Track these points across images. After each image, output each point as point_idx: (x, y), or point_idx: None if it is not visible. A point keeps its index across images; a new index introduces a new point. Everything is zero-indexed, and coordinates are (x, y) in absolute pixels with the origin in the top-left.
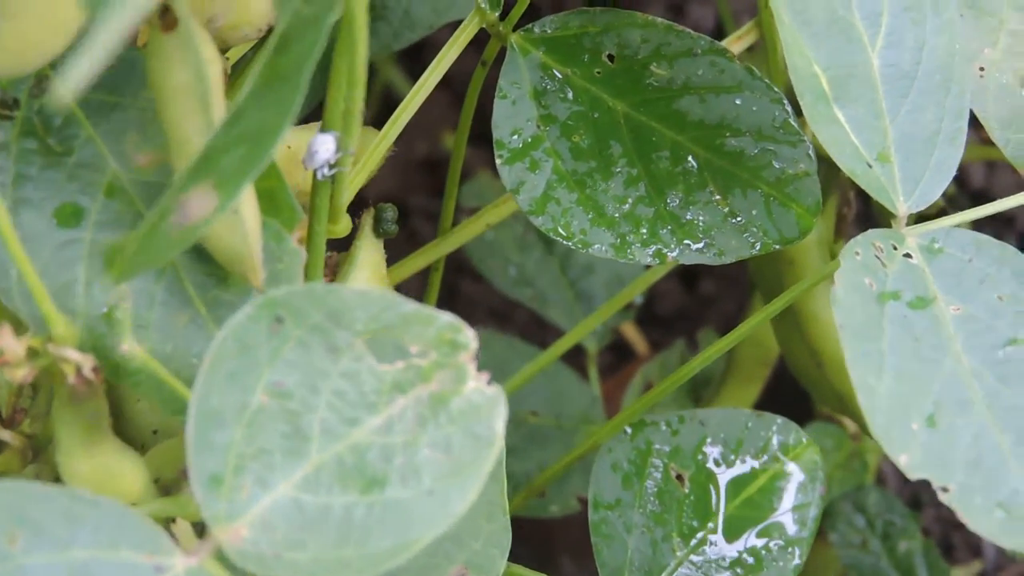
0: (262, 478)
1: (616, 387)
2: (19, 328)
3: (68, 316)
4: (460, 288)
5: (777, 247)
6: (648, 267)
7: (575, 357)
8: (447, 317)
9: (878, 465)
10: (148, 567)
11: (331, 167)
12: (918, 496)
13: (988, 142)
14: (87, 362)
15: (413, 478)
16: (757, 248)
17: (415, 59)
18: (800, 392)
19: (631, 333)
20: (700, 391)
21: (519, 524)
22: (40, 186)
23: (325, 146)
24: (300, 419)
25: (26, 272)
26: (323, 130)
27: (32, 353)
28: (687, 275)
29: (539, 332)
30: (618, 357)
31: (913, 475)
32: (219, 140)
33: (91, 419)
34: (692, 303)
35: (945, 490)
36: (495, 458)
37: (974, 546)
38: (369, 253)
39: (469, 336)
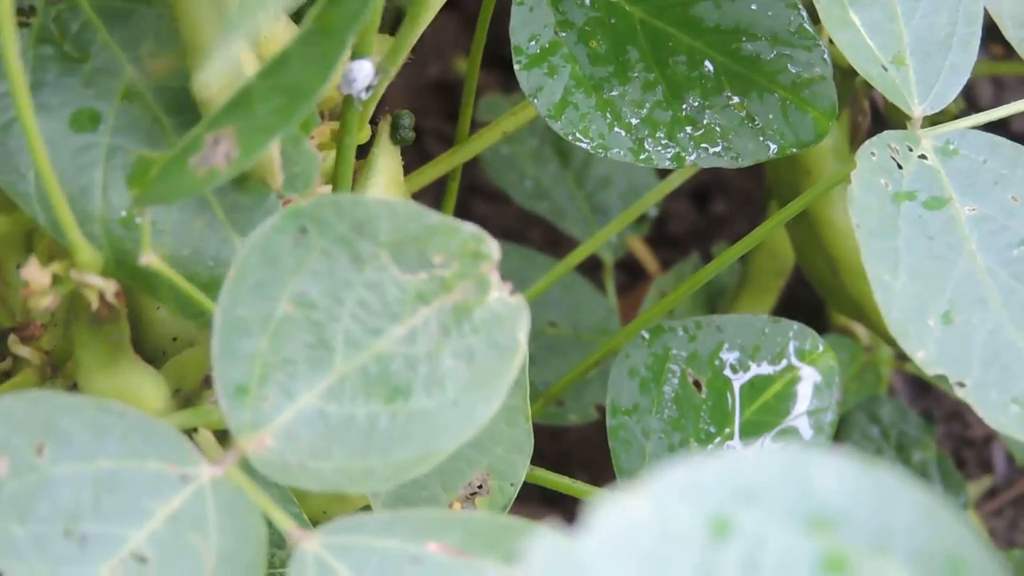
0: (287, 388)
1: (631, 305)
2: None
3: (85, 219)
4: (473, 208)
5: (794, 150)
6: (663, 178)
7: (592, 272)
8: (470, 227)
9: (890, 379)
10: (174, 477)
11: (367, 90)
12: (929, 412)
13: (998, 58)
14: (110, 287)
15: (437, 388)
16: (774, 151)
17: None
18: (814, 305)
19: (643, 253)
20: (715, 302)
21: (537, 437)
22: (57, 92)
23: (363, 72)
24: (324, 329)
25: (53, 193)
26: (357, 55)
27: (56, 280)
28: (699, 195)
29: (553, 252)
30: (631, 277)
31: (930, 371)
32: (258, 85)
33: (112, 340)
34: (704, 223)
35: (961, 385)
36: (518, 367)
37: (985, 461)
38: (387, 160)
39: (492, 247)
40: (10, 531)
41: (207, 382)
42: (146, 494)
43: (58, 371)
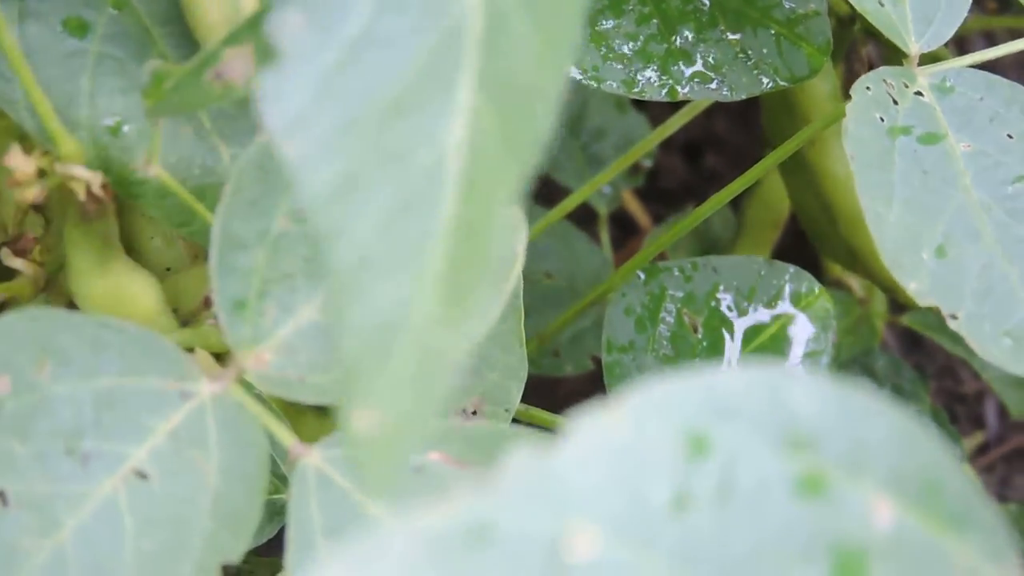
0: (285, 302)
1: (624, 259)
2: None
3: (72, 127)
4: None
5: (787, 84)
6: (655, 127)
7: (587, 225)
8: None
9: (882, 334)
10: (174, 394)
11: None
12: (921, 367)
13: (990, 12)
14: (96, 179)
15: None
16: (768, 86)
17: None
18: (807, 259)
19: (635, 208)
20: (710, 254)
21: (529, 392)
22: None
23: None
24: None
25: (29, 87)
26: None
27: (41, 173)
28: (690, 150)
29: (549, 206)
30: (623, 232)
31: (922, 301)
32: None
33: (102, 239)
34: (695, 178)
35: (954, 317)
36: (516, 276)
37: (976, 417)
38: None
39: None
40: (11, 449)
41: (206, 303)
42: (146, 411)
43: (51, 283)
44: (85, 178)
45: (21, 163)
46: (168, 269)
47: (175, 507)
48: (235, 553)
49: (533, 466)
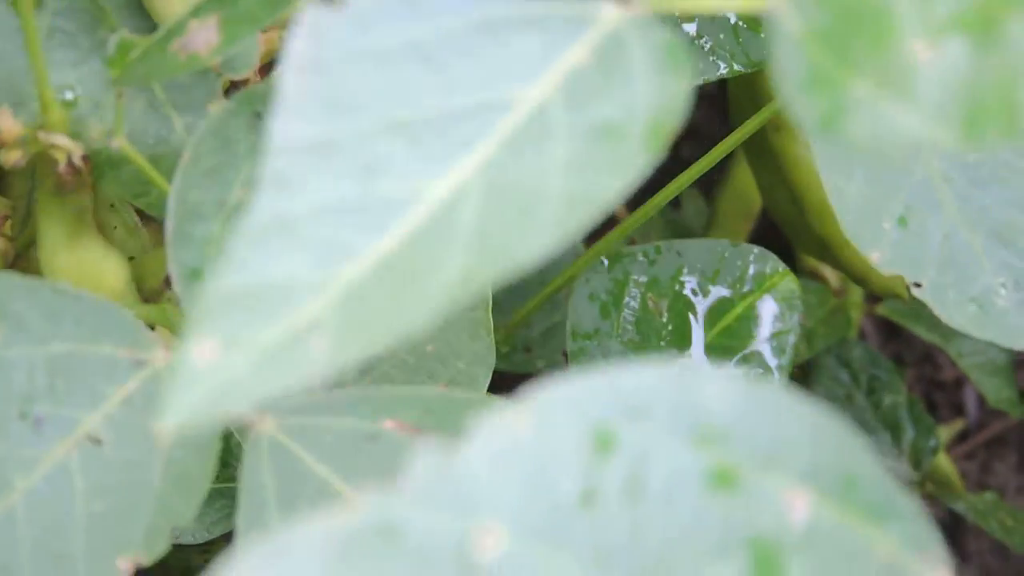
0: None
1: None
2: None
3: (25, 99)
4: None
5: (744, 69)
6: None
7: None
8: None
9: (860, 323)
10: (127, 361)
11: None
12: (900, 355)
13: None
14: (77, 150)
15: None
16: (723, 71)
17: None
18: (782, 250)
19: None
20: None
21: (503, 389)
22: None
23: None
24: None
25: (34, 54)
26: None
27: (24, 141)
28: None
29: None
30: (600, 224)
31: (885, 271)
32: None
33: (76, 212)
34: (672, 166)
35: (917, 286)
36: None
37: (956, 404)
38: None
39: None
40: None
41: (167, 283)
42: (100, 378)
43: (19, 259)
44: (67, 147)
45: (9, 124)
46: (132, 258)
47: (127, 471)
48: (186, 516)
49: (439, 465)
